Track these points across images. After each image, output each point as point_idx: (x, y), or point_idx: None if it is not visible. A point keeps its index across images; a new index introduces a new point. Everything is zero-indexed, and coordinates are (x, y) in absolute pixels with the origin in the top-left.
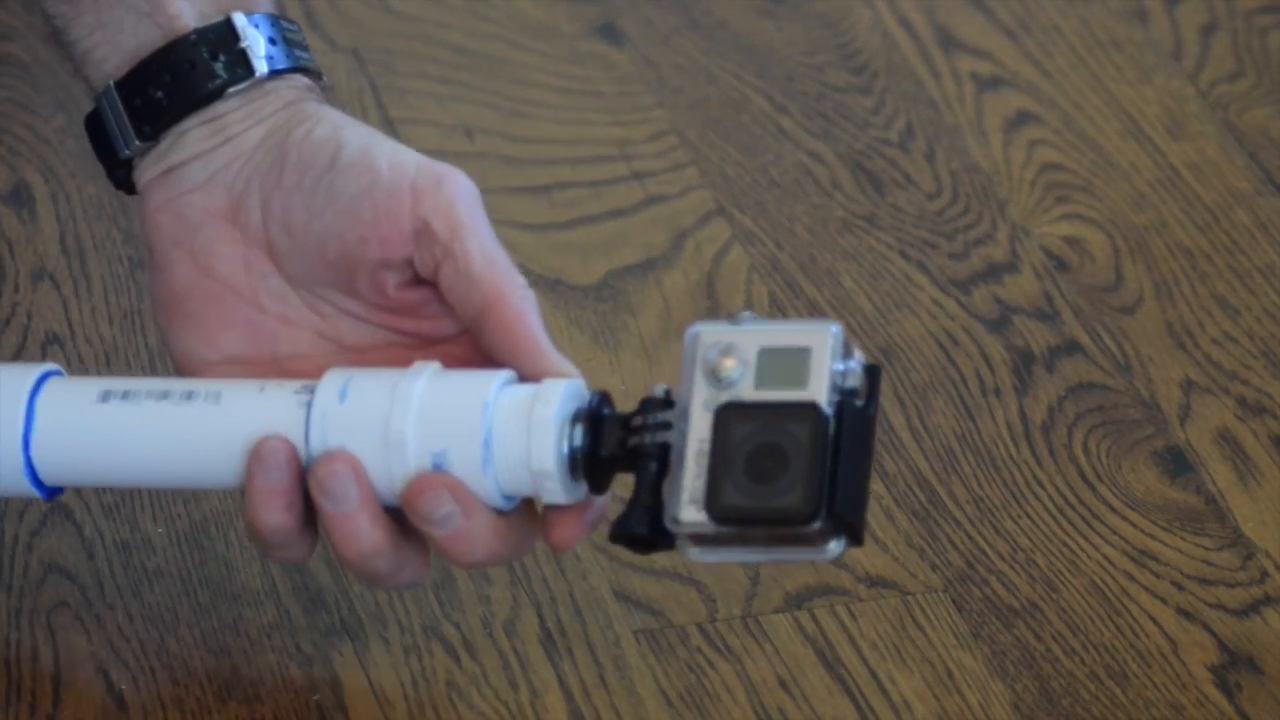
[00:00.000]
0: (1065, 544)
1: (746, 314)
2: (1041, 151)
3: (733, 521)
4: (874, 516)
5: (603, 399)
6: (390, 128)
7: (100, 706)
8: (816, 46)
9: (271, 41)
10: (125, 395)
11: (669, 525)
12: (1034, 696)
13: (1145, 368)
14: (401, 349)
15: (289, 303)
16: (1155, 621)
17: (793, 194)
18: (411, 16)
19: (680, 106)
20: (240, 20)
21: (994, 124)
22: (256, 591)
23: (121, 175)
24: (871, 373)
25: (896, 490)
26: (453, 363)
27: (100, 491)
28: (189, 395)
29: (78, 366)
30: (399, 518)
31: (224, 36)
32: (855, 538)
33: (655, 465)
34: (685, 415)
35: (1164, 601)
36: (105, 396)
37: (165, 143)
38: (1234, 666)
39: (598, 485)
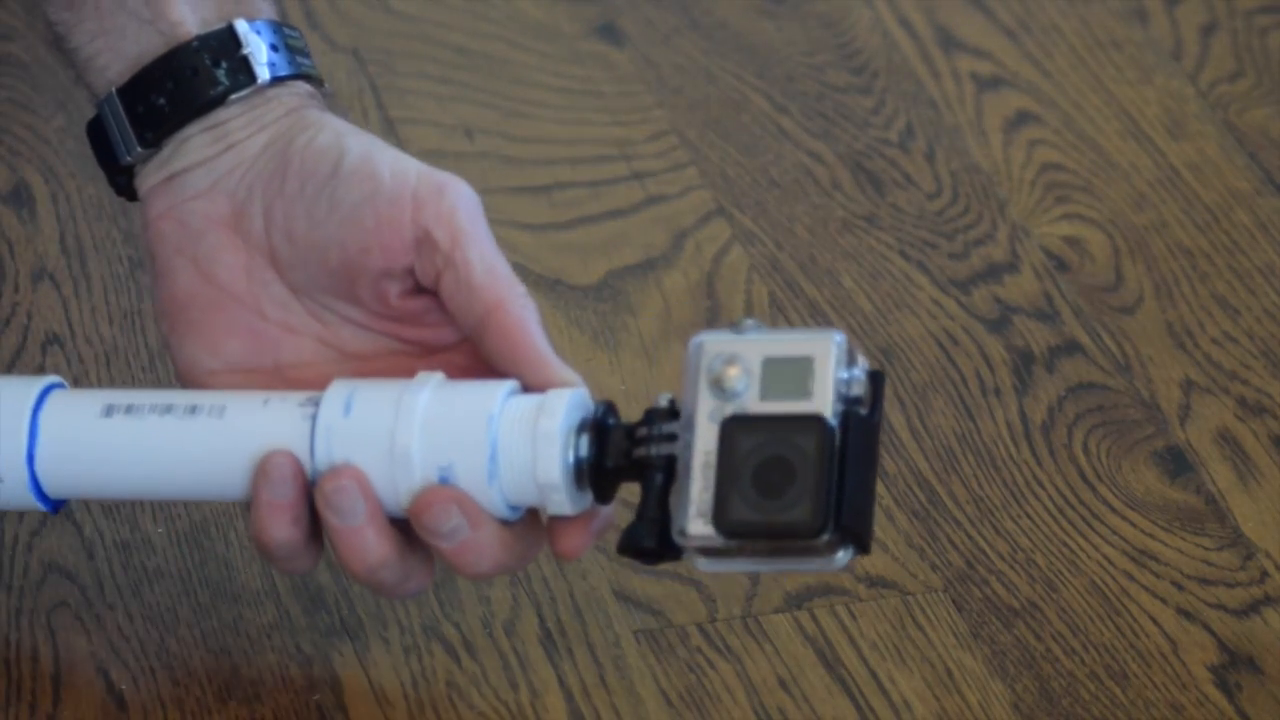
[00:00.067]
0: (1065, 544)
1: (749, 321)
2: (1041, 151)
3: (740, 535)
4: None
5: (608, 409)
6: (390, 128)
7: (100, 706)
8: (816, 46)
9: (273, 48)
10: (129, 409)
11: (676, 538)
12: (1034, 696)
13: (1145, 368)
14: (404, 356)
15: (291, 310)
16: (1155, 621)
17: (793, 194)
18: (411, 16)
19: (680, 106)
20: (242, 27)
21: (994, 124)
22: (256, 591)
23: (123, 182)
24: (875, 379)
25: (896, 490)
26: (455, 371)
27: None
28: (193, 409)
29: (78, 366)
30: (403, 528)
31: (226, 43)
32: (862, 547)
33: (661, 477)
34: (690, 426)
35: (1164, 601)
36: (109, 411)
37: (167, 149)
38: (1234, 666)
39: (603, 495)
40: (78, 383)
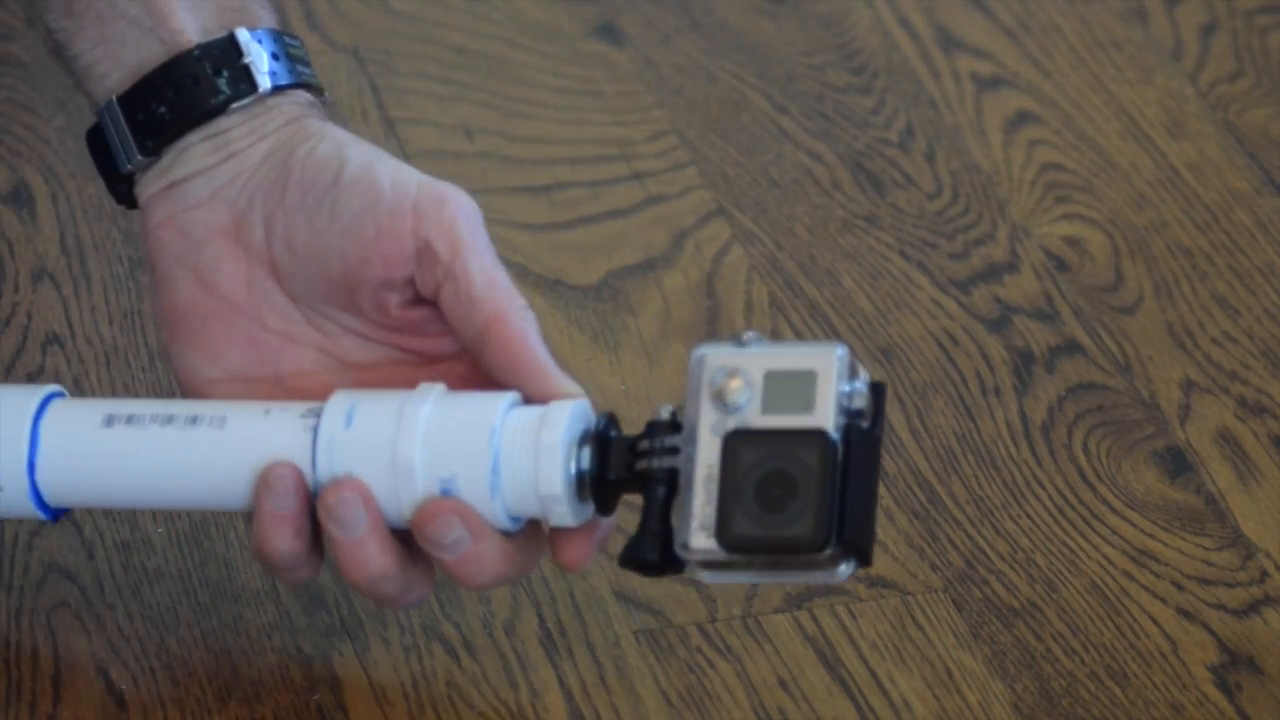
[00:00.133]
0: (1065, 544)
1: (751, 334)
2: (1041, 151)
3: (743, 550)
4: None
5: (609, 421)
6: (390, 128)
7: (100, 706)
8: (816, 46)
9: (274, 57)
10: (130, 419)
11: (679, 552)
12: (1034, 696)
13: (1145, 368)
14: (404, 366)
15: (291, 320)
16: (1155, 621)
17: (793, 194)
18: (411, 16)
19: (680, 106)
20: (244, 36)
21: (994, 124)
22: (256, 591)
23: (123, 190)
24: (876, 391)
25: (896, 490)
26: (455, 380)
27: None
28: (193, 420)
29: (77, 366)
30: (405, 540)
31: (227, 52)
32: (864, 559)
33: (663, 490)
34: (692, 439)
35: (1164, 601)
36: (109, 421)
37: (167, 158)
38: (1234, 666)
39: (604, 507)
40: (78, 383)
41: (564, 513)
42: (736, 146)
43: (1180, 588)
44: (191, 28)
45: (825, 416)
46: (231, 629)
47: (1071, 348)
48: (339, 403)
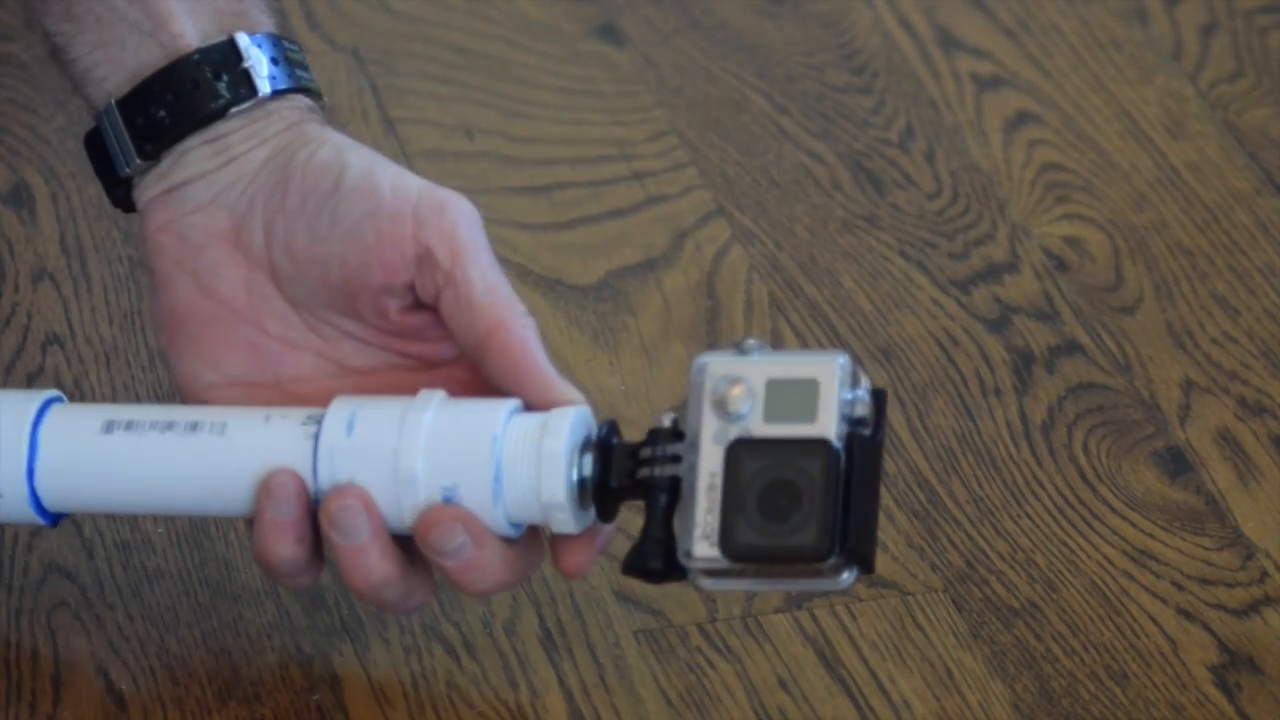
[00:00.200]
0: (1065, 544)
1: (752, 342)
2: (1041, 151)
3: (746, 559)
4: None
5: (611, 428)
6: (390, 128)
7: (100, 706)
8: (816, 46)
9: (274, 61)
10: (129, 426)
11: (682, 560)
12: (1034, 696)
13: (1145, 368)
14: (404, 371)
15: (291, 325)
16: (1155, 621)
17: (793, 194)
18: (411, 16)
19: (680, 106)
20: (244, 40)
21: (994, 124)
22: (256, 591)
23: (121, 194)
24: (878, 398)
25: (896, 490)
26: (455, 386)
27: None
28: (194, 426)
29: (77, 366)
30: (405, 546)
31: (227, 56)
32: (867, 567)
33: (665, 498)
34: (695, 448)
35: (1164, 601)
36: (109, 427)
37: (166, 162)
38: (1234, 666)
39: (606, 514)
40: (78, 383)
41: (566, 520)
42: (736, 146)
43: (1180, 588)
44: (191, 32)
45: (828, 425)
46: (231, 629)
47: (1071, 348)
48: (340, 410)
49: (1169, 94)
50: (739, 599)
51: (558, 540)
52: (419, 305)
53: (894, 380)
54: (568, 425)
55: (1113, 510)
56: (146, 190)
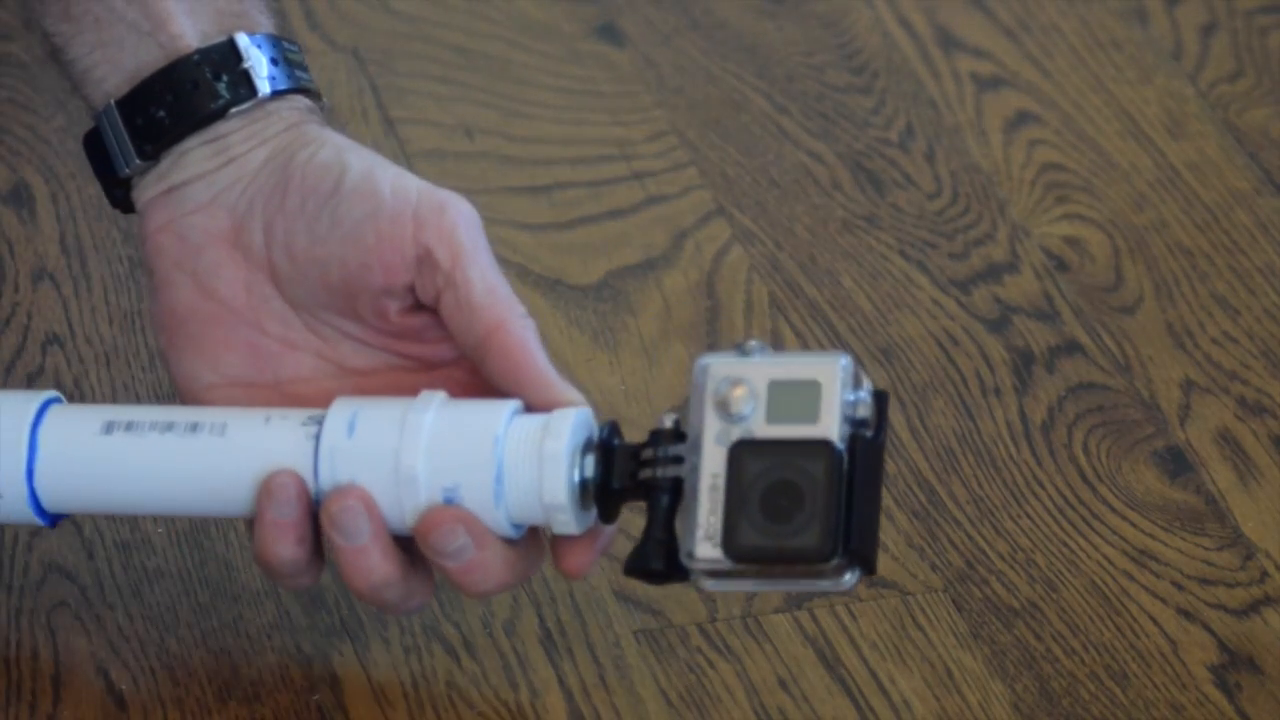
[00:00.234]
0: (1065, 544)
1: (754, 343)
2: (1041, 151)
3: (750, 560)
4: None
5: (612, 429)
6: (390, 128)
7: (100, 706)
8: (816, 46)
9: (274, 62)
10: (129, 427)
11: (684, 561)
12: (1034, 696)
13: (1145, 368)
14: (404, 372)
15: (291, 325)
16: (1155, 621)
17: (793, 194)
18: (411, 16)
19: (680, 106)
20: (243, 40)
21: (994, 124)
22: (256, 591)
23: (120, 194)
24: (879, 399)
25: (896, 490)
26: (455, 387)
27: None
28: (194, 427)
29: (77, 366)
30: (406, 547)
31: (227, 57)
32: (869, 568)
33: (667, 499)
34: (697, 448)
35: (1164, 601)
36: (109, 428)
37: (166, 162)
38: (1234, 666)
39: (607, 515)
40: (78, 383)
41: (568, 521)
42: (736, 146)
43: (1180, 588)
44: (190, 32)
45: (830, 427)
46: (231, 629)
47: (1071, 348)
48: (340, 411)
49: (1169, 94)
50: (739, 599)
51: (559, 541)
52: (419, 306)
53: (894, 380)
54: (569, 426)
55: (1113, 510)
56: (146, 191)
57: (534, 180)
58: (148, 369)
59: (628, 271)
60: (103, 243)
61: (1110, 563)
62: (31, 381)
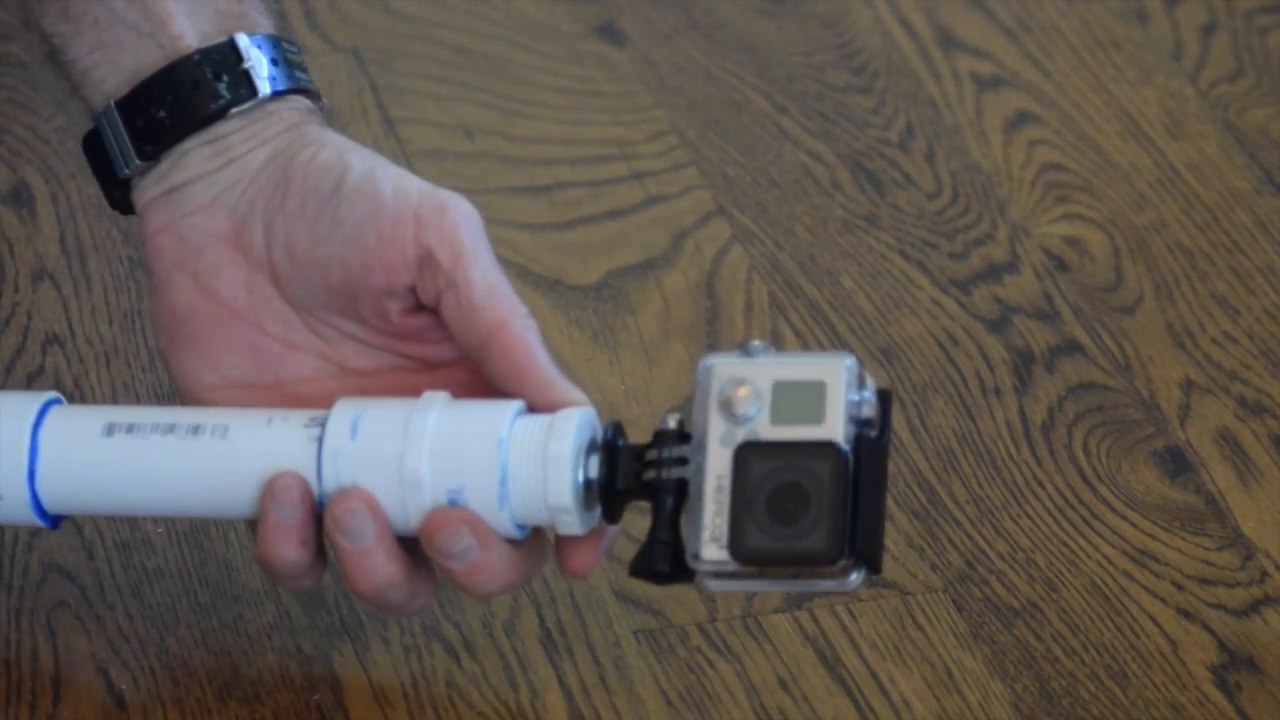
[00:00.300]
0: (1065, 544)
1: (757, 343)
2: (1041, 151)
3: (756, 562)
4: None
5: (616, 430)
6: (390, 128)
7: (100, 706)
8: (816, 46)
9: (274, 62)
10: (130, 429)
11: (690, 562)
12: (1034, 696)
13: (1145, 368)
14: (405, 373)
15: (292, 326)
16: (1155, 621)
17: (793, 194)
18: (411, 16)
19: (680, 106)
20: (244, 41)
21: (994, 124)
22: (256, 591)
23: (119, 196)
24: (883, 399)
25: (896, 490)
26: (457, 387)
27: None
28: (195, 429)
29: (77, 366)
30: (409, 547)
31: (227, 57)
32: (875, 568)
33: (672, 500)
34: (701, 449)
35: (1164, 601)
36: (110, 430)
37: (166, 163)
38: (1234, 666)
39: (611, 515)
40: (78, 383)
41: (572, 522)
42: (736, 146)
43: (1180, 588)
44: (190, 33)
45: (835, 428)
46: (231, 629)
47: (1071, 348)
48: (343, 412)
49: (1169, 94)
50: (739, 599)
51: (563, 542)
52: (420, 307)
53: (894, 380)
54: (573, 427)
55: (1113, 510)
56: (146, 192)
57: (534, 180)
58: (148, 369)
59: (628, 271)
60: (103, 243)
61: (1110, 563)
62: (31, 381)
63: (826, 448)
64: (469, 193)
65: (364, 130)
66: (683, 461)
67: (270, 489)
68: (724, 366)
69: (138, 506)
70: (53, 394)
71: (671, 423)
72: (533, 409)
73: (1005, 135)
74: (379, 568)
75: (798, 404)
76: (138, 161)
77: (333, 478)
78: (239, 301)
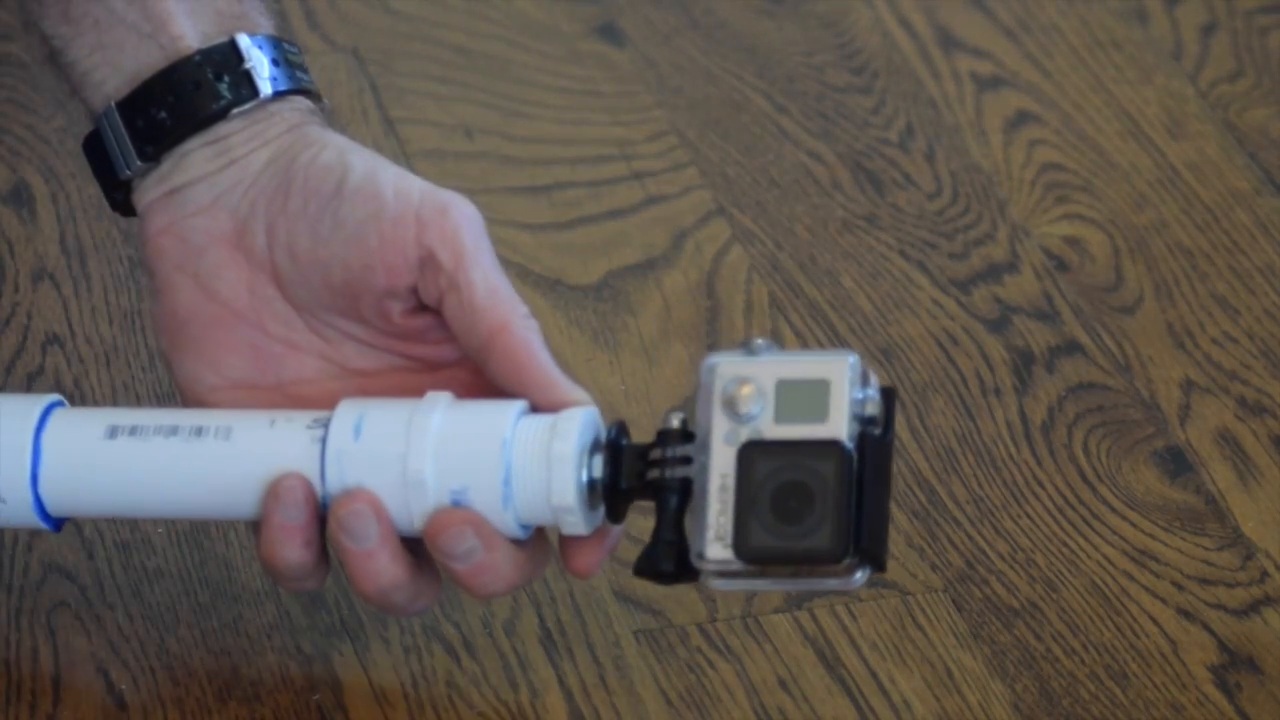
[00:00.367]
0: (1065, 544)
1: (760, 342)
2: (1041, 151)
3: (761, 561)
4: None
5: (620, 429)
6: (390, 128)
7: (100, 706)
8: (816, 46)
9: (275, 63)
10: (133, 431)
11: (695, 562)
12: (1034, 696)
13: (1145, 368)
14: (408, 373)
15: (293, 327)
16: (1155, 621)
17: (793, 194)
18: (411, 16)
19: (680, 106)
20: (244, 41)
21: (994, 124)
22: (256, 591)
23: (119, 197)
24: (887, 397)
25: (897, 490)
26: (460, 387)
27: None
28: (198, 431)
29: (77, 366)
30: (412, 548)
31: (228, 57)
32: (879, 566)
33: (676, 500)
34: (705, 448)
35: (1164, 601)
36: (113, 432)
37: (167, 164)
38: (1234, 666)
39: (615, 515)
40: (78, 383)
41: (576, 522)
42: (736, 146)
43: (1180, 588)
44: (191, 33)
45: (839, 426)
46: (231, 629)
47: (1071, 348)
48: (346, 414)
49: (1169, 94)
50: (739, 599)
51: (567, 541)
52: (422, 308)
53: (894, 380)
54: (577, 427)
55: (1113, 510)
56: (147, 193)
57: (534, 180)
58: (148, 369)
59: (628, 271)
60: (103, 243)
61: (1110, 563)
62: (31, 381)
63: (831, 446)
64: (469, 193)
65: (364, 130)
66: (686, 461)
67: (274, 490)
68: (727, 365)
69: (141, 509)
70: (55, 396)
71: (675, 422)
72: (536, 409)
73: (1005, 135)
74: (383, 569)
75: (801, 402)
76: (139, 163)
77: (336, 479)
78: (240, 302)
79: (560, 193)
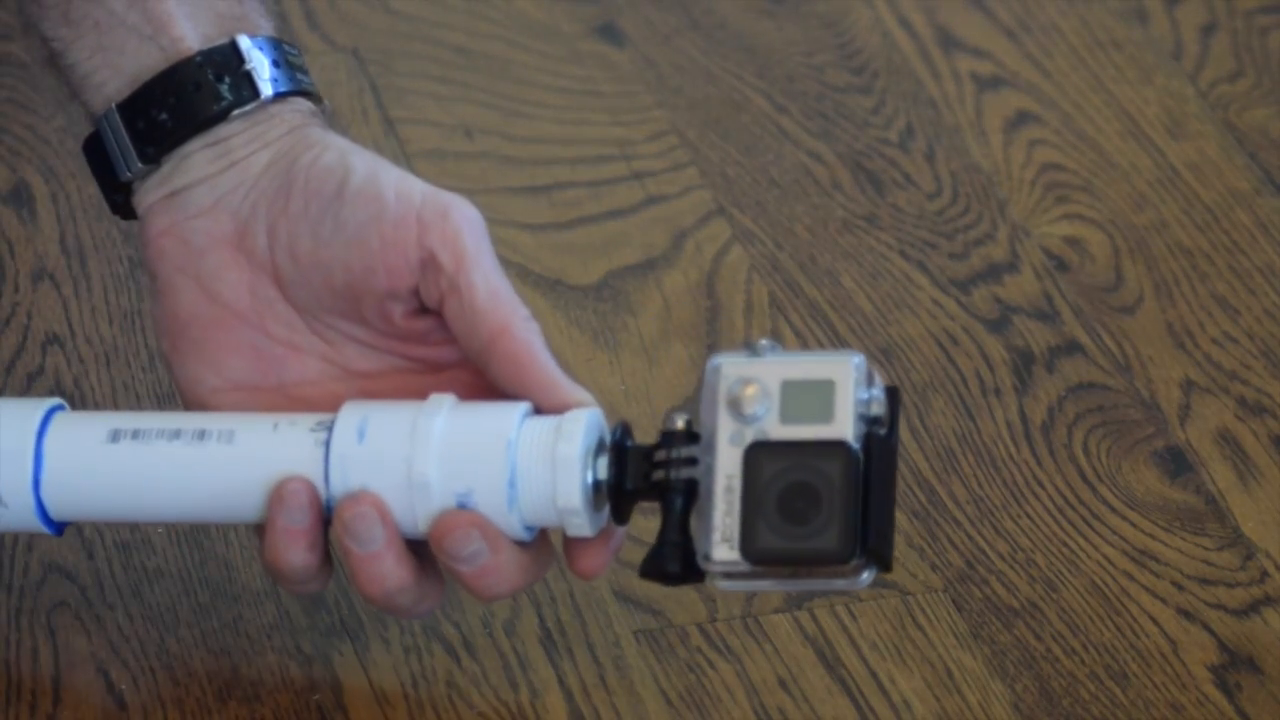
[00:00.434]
0: (1065, 544)
1: (765, 342)
2: (1041, 151)
3: (768, 562)
4: None
5: (624, 430)
6: (390, 128)
7: (100, 706)
8: (816, 46)
9: (275, 64)
10: (135, 435)
11: (701, 563)
12: (1034, 696)
13: (1145, 368)
14: (409, 374)
15: (295, 329)
16: (1155, 621)
17: (793, 194)
18: (411, 16)
19: (680, 106)
20: (245, 43)
21: (994, 124)
22: (256, 591)
23: (120, 200)
24: (892, 397)
25: (897, 490)
26: (462, 388)
27: None
28: (201, 434)
29: (77, 366)
30: (416, 550)
31: (229, 59)
32: (885, 566)
33: (681, 500)
34: (711, 449)
35: (1164, 601)
36: (115, 436)
37: (168, 166)
38: (1234, 666)
39: (620, 516)
40: (78, 383)
41: (581, 524)
42: (736, 146)
43: (1180, 588)
44: (191, 35)
45: (845, 427)
46: (231, 629)
47: (1071, 348)
48: (349, 416)
49: (1169, 94)
50: (739, 599)
51: (572, 543)
52: (423, 309)
53: (894, 380)
54: (581, 429)
55: (1113, 510)
56: (147, 195)
57: (534, 180)
58: (148, 369)
59: (628, 271)
60: (103, 243)
61: (1110, 563)
62: (31, 381)
63: (837, 447)
64: (469, 193)
65: (364, 130)
66: (692, 462)
67: (278, 494)
68: (731, 366)
69: (144, 513)
70: (56, 400)
71: (679, 423)
72: (539, 411)
73: (1005, 135)
74: (389, 572)
75: (807, 403)
76: (139, 164)
77: (340, 482)
78: (242, 304)
79: (560, 193)
